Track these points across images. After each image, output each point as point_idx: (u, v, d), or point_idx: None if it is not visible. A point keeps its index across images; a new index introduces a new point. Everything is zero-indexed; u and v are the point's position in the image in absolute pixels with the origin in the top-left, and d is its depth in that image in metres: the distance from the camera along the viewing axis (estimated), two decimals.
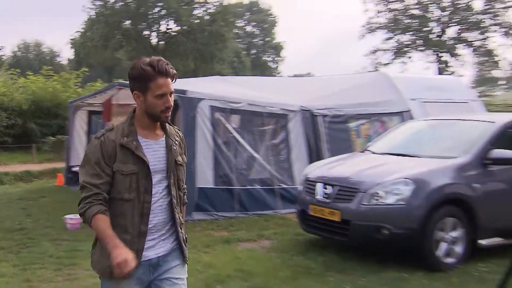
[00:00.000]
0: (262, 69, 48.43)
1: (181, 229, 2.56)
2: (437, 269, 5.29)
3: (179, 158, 2.52)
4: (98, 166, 2.36)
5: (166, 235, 2.50)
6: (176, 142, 2.53)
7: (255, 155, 8.52)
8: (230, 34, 38.54)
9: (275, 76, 41.86)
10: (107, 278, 2.41)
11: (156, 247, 2.46)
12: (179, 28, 37.34)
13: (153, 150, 2.43)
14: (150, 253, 2.44)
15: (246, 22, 52.06)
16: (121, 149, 2.36)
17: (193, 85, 8.82)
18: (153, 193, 2.42)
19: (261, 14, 52.14)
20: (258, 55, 52.33)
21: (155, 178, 2.42)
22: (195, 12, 37.51)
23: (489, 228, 5.60)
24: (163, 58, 2.41)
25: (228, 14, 37.82)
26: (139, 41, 38.12)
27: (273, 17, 52.94)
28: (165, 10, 36.59)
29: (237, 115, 8.79)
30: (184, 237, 2.58)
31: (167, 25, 38.01)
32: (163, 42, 38.42)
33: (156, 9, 37.33)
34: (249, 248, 6.13)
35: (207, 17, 37.04)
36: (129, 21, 37.49)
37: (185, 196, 2.67)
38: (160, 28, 38.37)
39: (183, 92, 7.81)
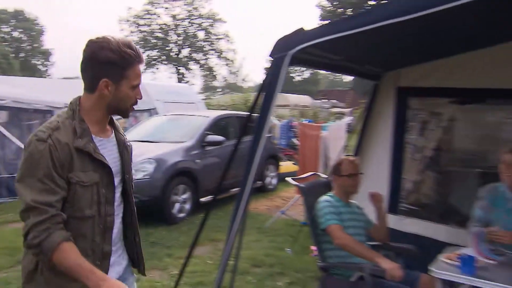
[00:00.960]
0: (32, 71, 41.59)
1: (138, 238, 1.65)
2: (173, 223, 5.50)
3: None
4: (49, 178, 1.35)
5: (121, 248, 1.61)
6: (126, 137, 1.66)
7: (22, 146, 7.39)
8: None
9: (45, 78, 36.65)
10: None
11: (115, 265, 1.56)
12: None
13: (108, 150, 1.52)
14: (111, 274, 1.51)
15: (12, 28, 43.87)
16: (77, 154, 1.40)
17: None
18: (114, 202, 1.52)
19: (27, 22, 44.68)
20: (27, 59, 44.69)
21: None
22: None
23: (206, 190, 6.06)
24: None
25: None
26: None
27: (40, 26, 46.08)
28: None
29: (5, 111, 7.50)
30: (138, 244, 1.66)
31: None
32: None
33: None
34: (17, 228, 5.32)
35: None
36: None
37: None
38: None
39: None
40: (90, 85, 1.46)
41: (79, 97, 1.50)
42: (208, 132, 6.38)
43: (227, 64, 35.95)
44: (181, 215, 5.71)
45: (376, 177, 3.62)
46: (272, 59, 2.29)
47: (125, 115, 1.53)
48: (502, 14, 2.37)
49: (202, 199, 6.07)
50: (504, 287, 2.02)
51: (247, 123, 2.50)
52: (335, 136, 5.30)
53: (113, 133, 1.57)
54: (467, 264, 2.10)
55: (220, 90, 40.59)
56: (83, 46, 1.44)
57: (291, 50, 2.19)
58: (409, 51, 3.11)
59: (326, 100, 27.61)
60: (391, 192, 3.59)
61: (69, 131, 1.41)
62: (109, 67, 1.42)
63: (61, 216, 1.36)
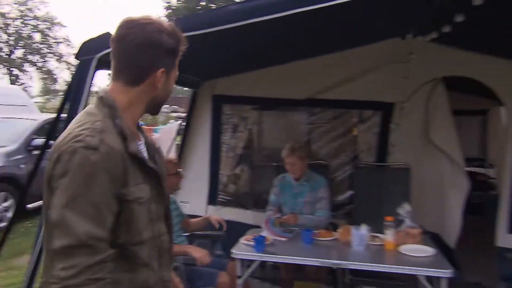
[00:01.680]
0: None
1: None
2: None
3: None
4: (104, 201, 0.86)
5: None
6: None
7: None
8: None
9: None
10: None
11: None
12: None
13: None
14: None
15: None
16: (130, 162, 0.92)
17: None
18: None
19: None
20: None
21: None
22: None
23: (34, 196, 5.12)
24: None
25: None
26: None
27: None
28: None
29: None
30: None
31: None
32: None
33: None
34: None
35: None
36: None
37: None
38: None
39: None
40: (138, 76, 0.98)
41: (108, 91, 0.99)
42: (35, 136, 5.33)
43: (68, 68, 31.45)
44: (2, 224, 4.61)
45: (198, 174, 3.60)
46: (79, 62, 1.96)
47: (158, 111, 1.11)
48: (291, 39, 2.60)
49: (30, 206, 5.03)
50: (279, 257, 2.21)
51: (54, 127, 2.09)
52: (167, 138, 5.11)
53: (142, 136, 1.09)
54: (259, 243, 2.22)
55: (62, 93, 35.37)
56: (124, 29, 0.96)
57: (98, 54, 1.91)
58: (220, 64, 3.17)
59: (167, 105, 27.09)
60: (210, 186, 3.62)
61: (114, 134, 0.93)
62: (168, 54, 1.00)
63: (113, 255, 0.91)
